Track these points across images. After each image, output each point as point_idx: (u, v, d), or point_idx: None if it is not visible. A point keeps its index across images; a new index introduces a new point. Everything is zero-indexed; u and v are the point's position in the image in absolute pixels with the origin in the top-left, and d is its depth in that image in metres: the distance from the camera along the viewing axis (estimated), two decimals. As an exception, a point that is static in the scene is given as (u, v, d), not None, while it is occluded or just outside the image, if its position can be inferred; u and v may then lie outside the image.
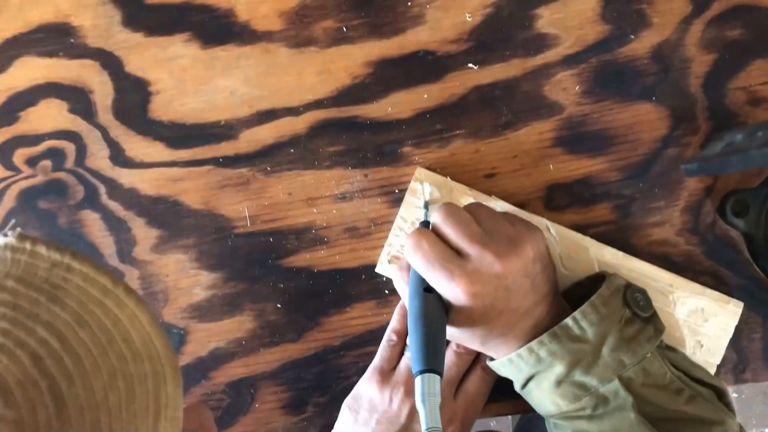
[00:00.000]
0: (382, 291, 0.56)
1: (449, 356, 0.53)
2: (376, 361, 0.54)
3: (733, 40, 0.55)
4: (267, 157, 0.57)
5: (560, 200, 0.55)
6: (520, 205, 0.55)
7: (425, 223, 0.52)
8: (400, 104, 0.56)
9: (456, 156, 0.56)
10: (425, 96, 0.56)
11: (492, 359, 0.50)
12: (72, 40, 0.57)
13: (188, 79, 0.57)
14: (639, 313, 0.48)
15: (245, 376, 0.57)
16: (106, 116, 0.57)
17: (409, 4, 0.56)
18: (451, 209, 0.48)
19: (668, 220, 0.55)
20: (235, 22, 0.56)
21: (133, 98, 0.57)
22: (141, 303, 0.32)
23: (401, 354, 0.54)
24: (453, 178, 0.55)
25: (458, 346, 0.53)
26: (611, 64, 0.55)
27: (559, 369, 0.46)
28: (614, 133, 0.55)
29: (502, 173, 0.56)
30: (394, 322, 0.55)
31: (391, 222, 0.55)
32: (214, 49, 0.57)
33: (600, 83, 0.55)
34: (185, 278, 0.57)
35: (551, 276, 0.50)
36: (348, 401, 0.53)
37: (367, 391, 0.53)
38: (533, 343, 0.46)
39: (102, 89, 0.57)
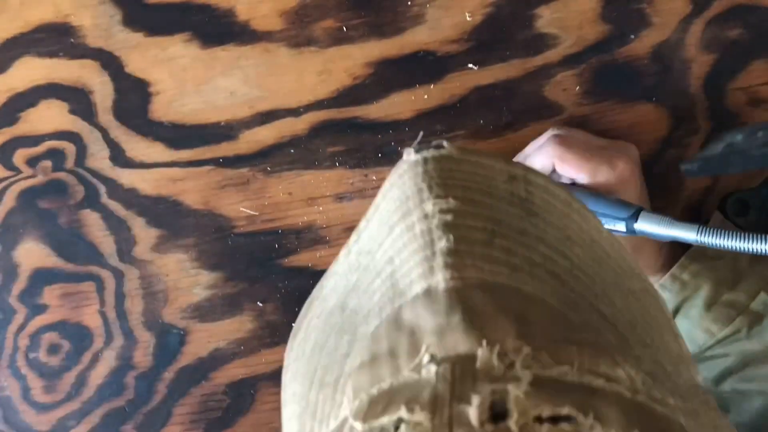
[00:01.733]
0: (382, 291, 0.56)
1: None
2: None
3: (733, 40, 0.55)
4: (267, 158, 0.57)
5: (560, 200, 0.55)
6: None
7: None
8: (400, 104, 0.56)
9: (456, 156, 0.56)
10: (425, 96, 0.56)
11: None
12: (72, 40, 0.57)
13: (188, 79, 0.57)
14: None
15: (245, 376, 0.57)
16: (106, 117, 0.57)
17: (409, 3, 0.56)
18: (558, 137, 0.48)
19: (668, 221, 0.55)
20: (235, 22, 0.56)
21: (133, 99, 0.57)
22: (596, 217, 0.28)
23: None
24: (453, 179, 0.55)
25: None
26: (611, 64, 0.55)
27: (705, 290, 0.45)
28: (614, 133, 0.55)
29: (502, 173, 0.55)
30: None
31: (391, 222, 0.55)
32: (214, 49, 0.57)
33: (600, 83, 0.55)
34: (185, 278, 0.57)
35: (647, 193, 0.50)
36: None
37: None
38: (674, 269, 0.46)
39: (102, 89, 0.57)
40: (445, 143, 0.26)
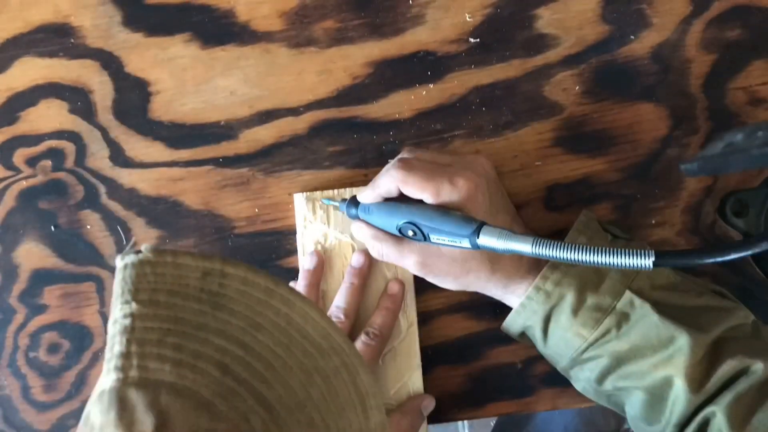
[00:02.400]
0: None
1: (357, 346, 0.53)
2: None
3: (733, 40, 0.55)
4: (267, 157, 0.57)
5: (560, 200, 0.55)
6: (521, 205, 0.55)
7: (353, 202, 0.52)
8: (400, 104, 0.56)
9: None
10: (425, 96, 0.56)
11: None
12: (72, 40, 0.57)
13: (188, 79, 0.57)
14: (620, 234, 0.50)
15: (245, 376, 0.57)
16: (106, 116, 0.57)
17: (410, 3, 0.56)
18: (407, 153, 0.51)
19: (668, 221, 0.55)
20: (235, 23, 0.56)
21: (133, 98, 0.57)
22: (306, 299, 0.30)
23: None
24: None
25: (367, 334, 0.52)
26: (611, 64, 0.55)
27: (570, 297, 0.47)
28: (614, 133, 0.55)
29: (502, 173, 0.55)
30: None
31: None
32: (214, 49, 0.57)
33: (600, 83, 0.55)
34: (185, 278, 0.57)
35: (507, 199, 0.52)
36: None
37: None
38: (537, 280, 0.48)
39: (102, 89, 0.57)
40: (144, 248, 0.29)
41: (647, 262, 0.39)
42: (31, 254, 0.57)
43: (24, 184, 0.57)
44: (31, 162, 0.57)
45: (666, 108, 0.55)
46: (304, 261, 0.55)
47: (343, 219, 0.55)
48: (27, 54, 0.57)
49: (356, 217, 0.52)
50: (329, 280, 0.55)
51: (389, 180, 0.49)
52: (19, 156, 0.57)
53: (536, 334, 0.50)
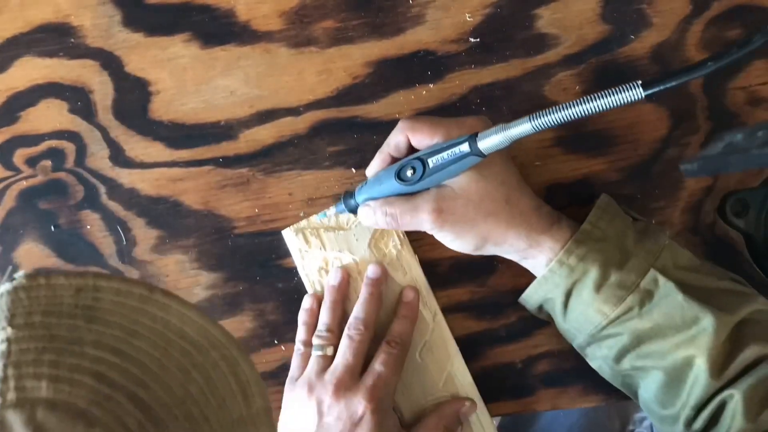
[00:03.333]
0: (382, 291, 0.56)
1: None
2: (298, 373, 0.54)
3: (733, 40, 0.55)
4: (267, 157, 0.57)
5: (560, 200, 0.55)
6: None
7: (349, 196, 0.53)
8: (400, 104, 0.56)
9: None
10: (425, 96, 0.56)
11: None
12: (72, 40, 0.57)
13: (188, 79, 0.57)
14: (637, 216, 0.50)
15: (245, 376, 0.57)
16: (106, 116, 0.57)
17: (410, 3, 0.56)
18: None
19: (668, 221, 0.55)
20: (235, 22, 0.56)
21: (133, 98, 0.57)
22: (183, 301, 0.31)
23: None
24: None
25: (389, 343, 0.52)
26: (611, 64, 0.55)
27: (594, 273, 0.47)
28: (614, 133, 0.55)
29: (502, 173, 0.55)
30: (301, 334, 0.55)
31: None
32: (214, 49, 0.57)
33: (600, 83, 0.55)
34: (185, 278, 0.57)
35: (515, 171, 0.50)
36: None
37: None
38: (560, 255, 0.47)
39: (102, 89, 0.57)
40: (17, 275, 0.30)
41: (637, 91, 0.40)
42: (31, 254, 0.57)
43: (24, 184, 0.57)
44: (31, 162, 0.57)
45: (666, 108, 0.55)
46: (330, 277, 0.55)
47: (338, 237, 0.55)
48: (27, 54, 0.57)
49: (356, 206, 0.52)
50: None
51: (398, 134, 0.49)
52: (19, 156, 0.57)
53: (555, 308, 0.49)
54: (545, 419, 0.88)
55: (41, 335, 0.28)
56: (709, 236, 0.55)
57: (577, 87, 0.55)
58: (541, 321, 0.54)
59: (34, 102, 0.57)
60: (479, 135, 0.44)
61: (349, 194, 0.52)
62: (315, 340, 0.53)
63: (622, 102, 0.40)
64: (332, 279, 0.55)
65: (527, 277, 0.51)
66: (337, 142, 0.56)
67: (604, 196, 0.50)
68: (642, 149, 0.55)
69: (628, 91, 0.40)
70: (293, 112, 0.56)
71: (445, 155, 0.46)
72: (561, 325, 0.50)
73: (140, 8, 0.57)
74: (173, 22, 0.57)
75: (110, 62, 0.57)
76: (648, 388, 0.48)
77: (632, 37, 0.55)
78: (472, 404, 0.54)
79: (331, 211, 0.54)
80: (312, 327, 0.55)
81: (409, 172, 0.48)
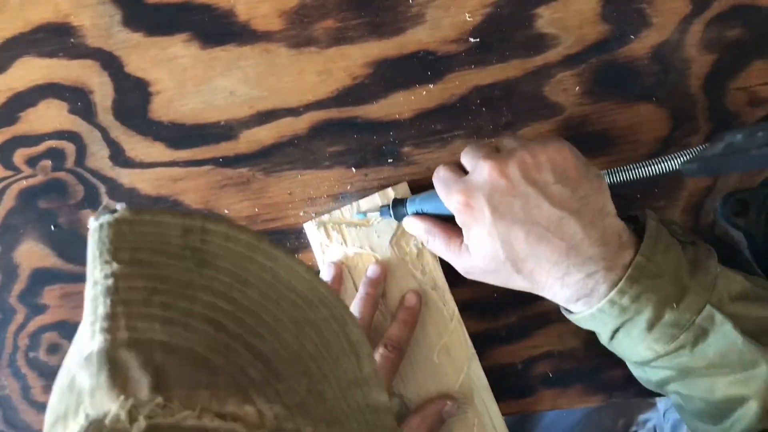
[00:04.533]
0: (382, 291, 0.56)
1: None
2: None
3: (733, 40, 0.55)
4: (267, 157, 0.57)
5: (560, 200, 0.55)
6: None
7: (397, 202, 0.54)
8: (400, 104, 0.56)
9: (456, 156, 0.56)
10: (425, 96, 0.56)
11: (569, 312, 0.48)
12: (72, 40, 0.57)
13: (188, 79, 0.57)
14: (683, 239, 0.46)
15: (245, 376, 0.57)
16: (106, 116, 0.57)
17: (410, 3, 0.56)
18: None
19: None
20: (235, 22, 0.56)
21: (133, 98, 0.57)
22: (290, 253, 0.30)
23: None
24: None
25: (386, 346, 0.52)
26: (611, 64, 0.55)
27: (648, 313, 0.43)
28: (614, 133, 0.55)
29: (502, 173, 0.55)
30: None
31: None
32: (214, 49, 0.57)
33: (600, 83, 0.55)
34: (185, 278, 0.57)
35: (581, 191, 0.44)
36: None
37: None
38: (613, 294, 0.43)
39: (102, 89, 0.57)
40: (119, 206, 0.28)
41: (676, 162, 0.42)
42: (31, 254, 0.57)
43: (24, 183, 0.57)
44: (31, 162, 0.57)
45: (666, 108, 0.55)
46: (321, 273, 0.55)
47: (359, 233, 0.55)
48: (27, 54, 0.57)
49: (403, 215, 0.53)
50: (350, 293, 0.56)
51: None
52: (19, 156, 0.57)
53: (599, 336, 0.47)
54: (548, 418, 0.88)
55: (149, 274, 0.26)
56: (709, 236, 0.55)
57: (577, 87, 0.55)
58: (541, 321, 0.54)
59: (34, 102, 0.57)
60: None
61: (399, 202, 0.53)
62: None
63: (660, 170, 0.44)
64: (324, 275, 0.55)
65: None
66: (337, 143, 0.56)
67: (651, 219, 0.46)
68: (642, 149, 0.55)
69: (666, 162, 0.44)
70: (293, 112, 0.56)
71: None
72: (605, 343, 0.48)
73: (140, 8, 0.57)
74: (173, 21, 0.57)
75: (110, 62, 0.57)
76: (688, 408, 0.47)
77: (632, 36, 0.55)
78: (454, 403, 0.53)
79: (374, 214, 0.54)
80: None
81: None
